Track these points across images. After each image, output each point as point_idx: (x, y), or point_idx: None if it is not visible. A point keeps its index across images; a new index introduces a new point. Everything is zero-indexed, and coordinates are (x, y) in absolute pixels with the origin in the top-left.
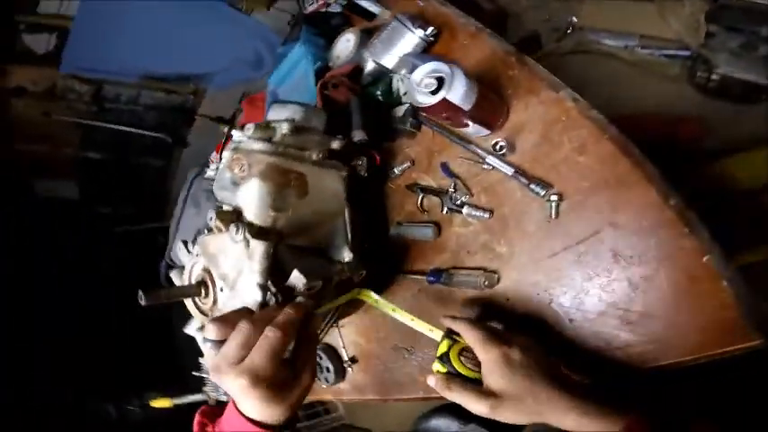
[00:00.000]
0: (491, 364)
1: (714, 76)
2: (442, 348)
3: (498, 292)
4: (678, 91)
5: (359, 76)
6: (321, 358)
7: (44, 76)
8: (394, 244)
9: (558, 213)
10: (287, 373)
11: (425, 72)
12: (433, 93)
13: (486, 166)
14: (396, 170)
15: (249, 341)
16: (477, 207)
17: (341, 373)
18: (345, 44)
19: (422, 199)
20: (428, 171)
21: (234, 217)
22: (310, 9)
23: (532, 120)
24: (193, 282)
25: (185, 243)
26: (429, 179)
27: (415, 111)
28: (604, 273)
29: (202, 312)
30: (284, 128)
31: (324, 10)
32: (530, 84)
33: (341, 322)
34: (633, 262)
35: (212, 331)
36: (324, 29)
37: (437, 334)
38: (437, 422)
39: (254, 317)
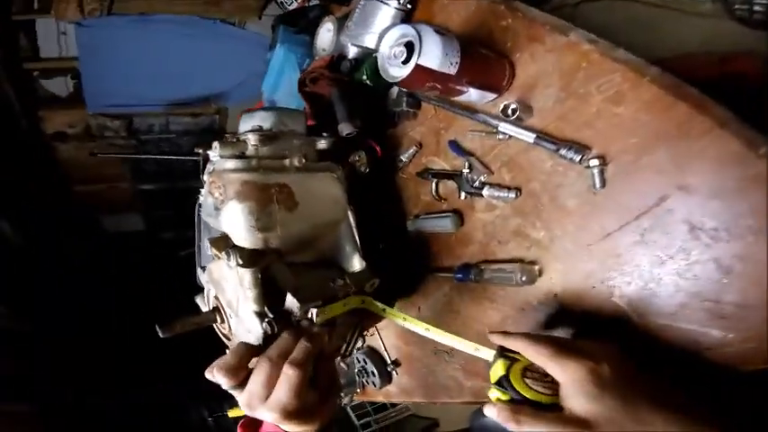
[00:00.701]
0: (574, 383)
1: (757, 8)
2: (499, 370)
3: (542, 288)
4: (717, 28)
5: (339, 66)
6: (366, 363)
7: (76, 117)
8: (414, 240)
9: (604, 181)
10: (312, 397)
11: (392, 41)
12: (405, 62)
13: (501, 137)
14: (403, 157)
15: (271, 379)
16: (499, 186)
17: (386, 377)
18: (327, 34)
19: (436, 185)
20: (438, 153)
21: (229, 243)
22: (291, 9)
23: (545, 72)
24: (210, 308)
25: (203, 269)
26: (441, 161)
27: None
28: (680, 254)
29: (225, 336)
30: (252, 139)
31: (306, 5)
32: (529, 31)
33: (378, 326)
34: (720, 237)
35: (222, 381)
36: (303, 25)
37: (485, 353)
38: None
39: (269, 352)
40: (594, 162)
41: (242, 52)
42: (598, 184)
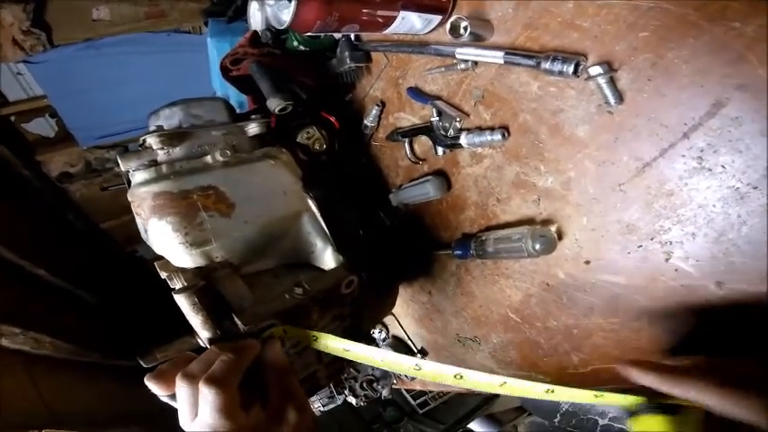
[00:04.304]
0: None
1: None
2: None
3: (567, 254)
4: None
5: (259, 40)
6: None
7: (74, 155)
8: (404, 216)
9: (619, 95)
10: (260, 418)
11: None
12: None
13: (463, 66)
14: (367, 122)
15: (192, 398)
16: (480, 129)
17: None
18: (257, 14)
19: (410, 145)
20: (402, 107)
21: (170, 265)
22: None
23: None
24: None
25: None
26: (408, 116)
27: (349, 40)
28: (764, 182)
29: None
30: (154, 142)
31: None
32: None
33: (397, 314)
34: None
35: (153, 389)
36: (233, 13)
37: (612, 399)
38: None
39: (190, 368)
40: (597, 70)
41: (209, 59)
42: (612, 99)
